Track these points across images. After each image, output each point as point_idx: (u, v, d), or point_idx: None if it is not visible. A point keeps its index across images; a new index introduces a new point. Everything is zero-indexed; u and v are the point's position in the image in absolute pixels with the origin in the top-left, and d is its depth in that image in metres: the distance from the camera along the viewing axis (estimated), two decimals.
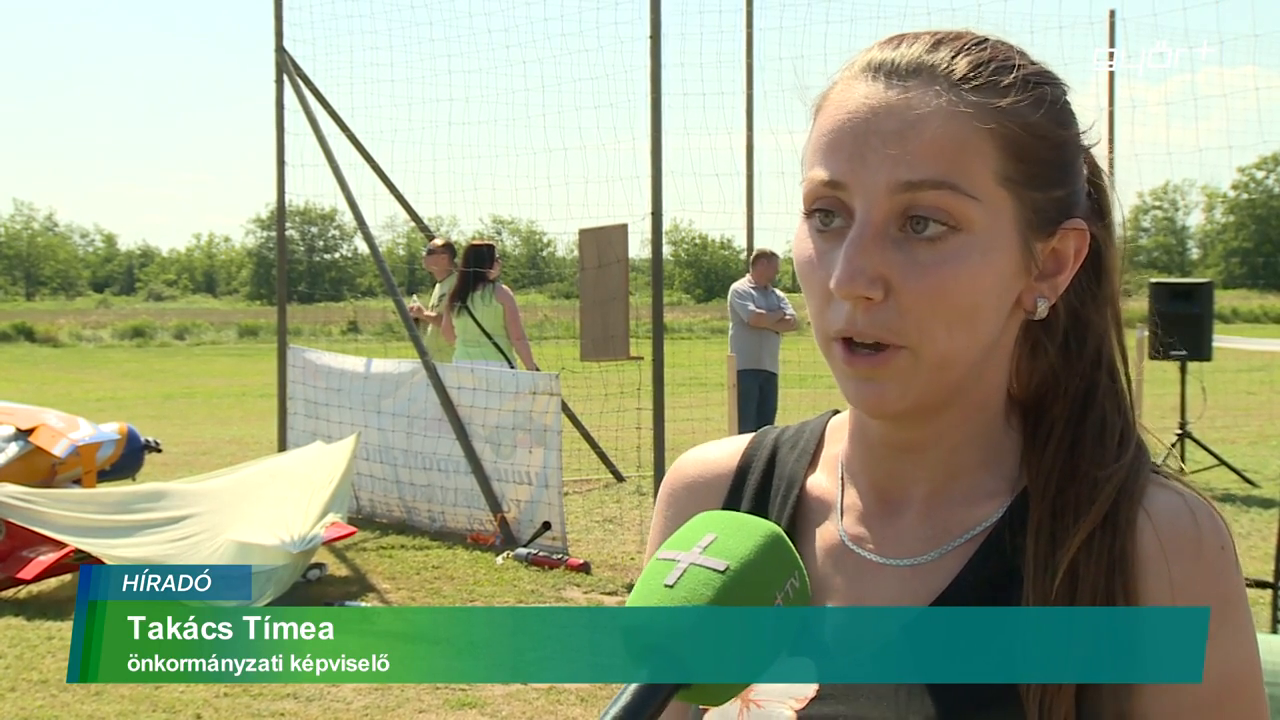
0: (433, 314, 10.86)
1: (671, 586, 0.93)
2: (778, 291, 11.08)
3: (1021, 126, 1.08)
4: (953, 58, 1.09)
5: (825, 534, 1.22)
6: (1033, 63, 1.13)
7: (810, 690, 1.15)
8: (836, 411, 1.31)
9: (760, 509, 1.26)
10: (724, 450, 1.32)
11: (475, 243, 10.78)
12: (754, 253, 11.51)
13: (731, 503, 1.28)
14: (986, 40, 1.12)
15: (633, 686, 0.91)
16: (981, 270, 1.07)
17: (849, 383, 1.10)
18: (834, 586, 1.19)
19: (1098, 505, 1.10)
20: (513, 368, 10.19)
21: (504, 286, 10.59)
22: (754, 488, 1.28)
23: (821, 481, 1.25)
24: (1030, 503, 1.13)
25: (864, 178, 1.06)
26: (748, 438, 1.33)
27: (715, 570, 0.94)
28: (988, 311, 1.09)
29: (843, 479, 1.23)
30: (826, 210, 1.09)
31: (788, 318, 10.79)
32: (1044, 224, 1.11)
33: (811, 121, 1.14)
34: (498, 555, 8.70)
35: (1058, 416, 1.16)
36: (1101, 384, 1.17)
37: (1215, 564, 1.08)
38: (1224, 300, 46.79)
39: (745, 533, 0.97)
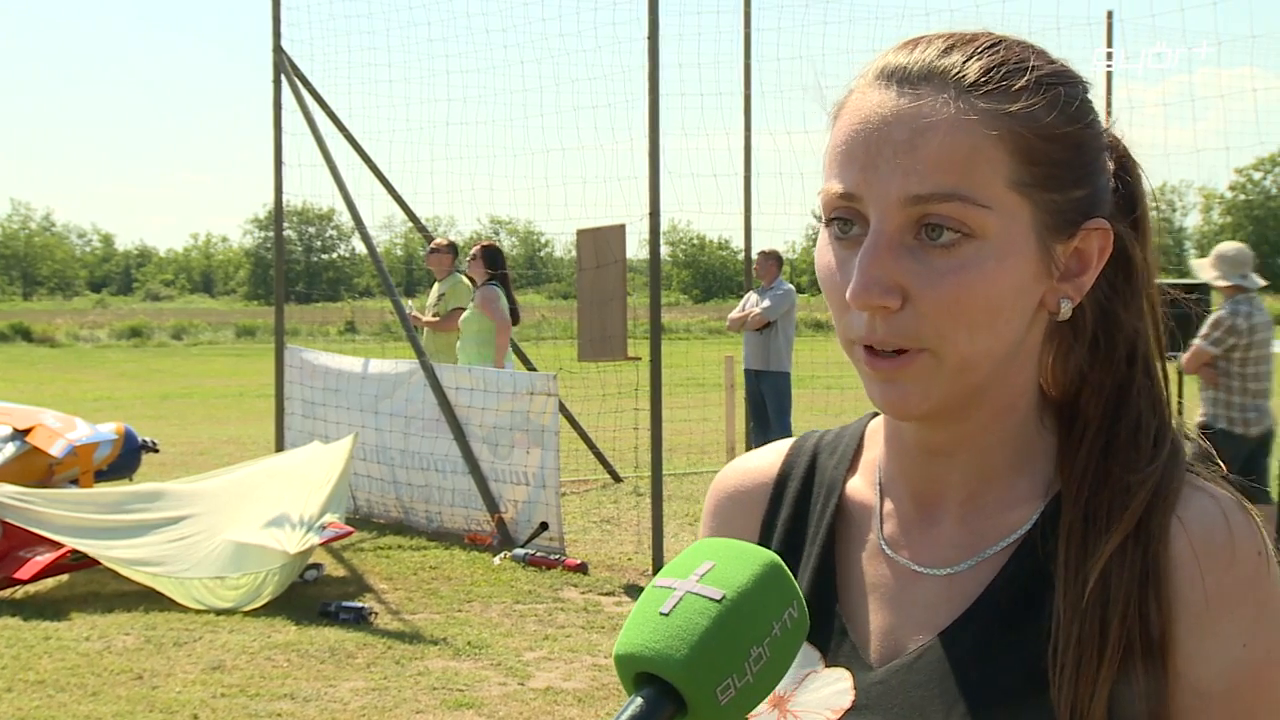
0: (433, 317, 10.86)
1: (667, 615, 0.92)
2: (784, 286, 11.16)
3: (1033, 130, 1.07)
4: (964, 62, 1.08)
5: (865, 542, 1.22)
6: (1050, 62, 1.11)
7: (847, 700, 1.15)
8: (876, 413, 1.29)
9: (801, 516, 1.26)
10: (764, 459, 1.32)
11: (489, 244, 10.88)
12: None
13: (772, 511, 1.28)
14: (1001, 42, 1.11)
15: (625, 716, 0.90)
16: (998, 275, 1.06)
17: (873, 385, 1.10)
18: (874, 596, 1.19)
19: (1129, 512, 1.09)
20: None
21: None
22: (794, 495, 1.28)
23: (860, 487, 1.25)
24: (1062, 506, 1.13)
25: (876, 189, 1.06)
26: (788, 444, 1.33)
27: (711, 599, 0.92)
28: (1008, 314, 1.09)
29: (880, 485, 1.23)
30: (844, 219, 1.10)
31: (751, 316, 10.98)
32: (1063, 225, 1.10)
33: (830, 128, 1.14)
34: (495, 556, 8.70)
35: (1091, 417, 1.15)
36: (1136, 382, 1.15)
37: (1251, 570, 1.07)
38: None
39: (743, 561, 0.96)
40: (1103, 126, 1.14)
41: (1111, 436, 1.13)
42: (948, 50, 1.09)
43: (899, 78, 1.08)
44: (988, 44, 1.10)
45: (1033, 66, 1.09)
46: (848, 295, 1.07)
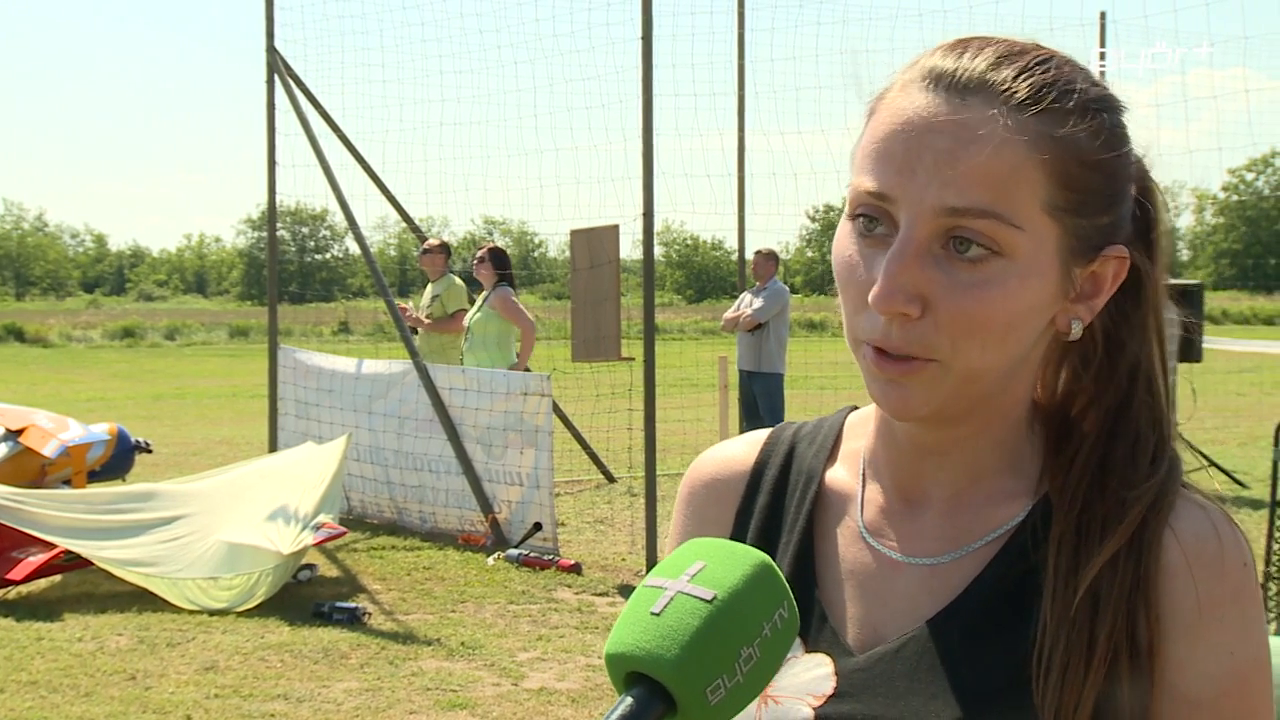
0: (426, 318, 10.84)
1: (658, 614, 0.93)
2: (778, 286, 11.22)
3: (1075, 156, 1.07)
4: (1015, 78, 1.07)
5: (845, 529, 1.23)
6: (1094, 85, 1.11)
7: (828, 687, 1.16)
8: (855, 407, 1.31)
9: (778, 503, 1.27)
10: (741, 448, 1.32)
11: (495, 246, 10.91)
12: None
13: (749, 499, 1.28)
14: (1051, 59, 1.10)
15: (615, 715, 0.90)
16: (1020, 293, 1.07)
17: (876, 385, 1.10)
18: (853, 582, 1.20)
19: (1124, 525, 1.10)
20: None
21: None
22: (771, 483, 1.28)
23: (841, 476, 1.25)
24: (1054, 514, 1.13)
25: (912, 193, 1.06)
26: (765, 434, 1.33)
27: (702, 599, 0.93)
28: (1022, 331, 1.10)
29: (864, 475, 1.24)
30: (870, 216, 1.09)
31: (743, 316, 11.05)
32: (1086, 249, 1.10)
33: (865, 121, 1.13)
34: (489, 556, 8.70)
35: (1089, 430, 1.16)
36: (1138, 399, 1.16)
37: (1238, 580, 1.09)
38: (1214, 302, 47.01)
39: (734, 561, 0.96)
40: (1134, 154, 1.14)
41: (1109, 451, 1.14)
42: (999, 63, 1.08)
43: (946, 84, 1.07)
44: (1038, 60, 1.09)
45: (1080, 89, 1.09)
46: (871, 298, 1.06)
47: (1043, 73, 1.08)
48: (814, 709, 1.15)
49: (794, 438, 1.30)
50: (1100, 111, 1.10)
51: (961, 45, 1.11)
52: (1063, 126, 1.07)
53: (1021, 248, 1.06)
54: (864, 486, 1.23)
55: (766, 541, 1.24)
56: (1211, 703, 1.08)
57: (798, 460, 1.28)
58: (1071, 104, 1.08)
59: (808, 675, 1.17)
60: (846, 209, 1.12)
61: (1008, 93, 1.06)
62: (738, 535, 1.26)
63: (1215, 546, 1.09)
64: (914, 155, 1.06)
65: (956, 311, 1.06)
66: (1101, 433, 1.15)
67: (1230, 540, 1.10)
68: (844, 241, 1.11)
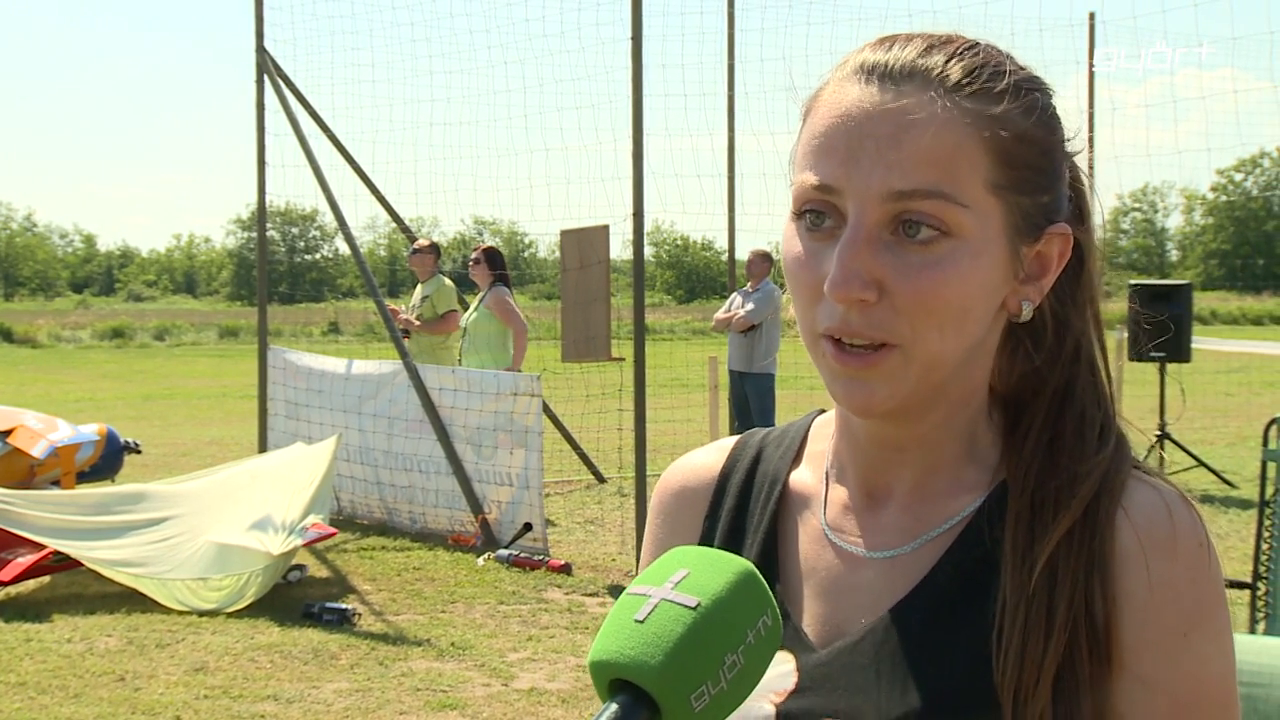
0: (415, 319, 10.82)
1: (642, 622, 0.93)
2: (769, 287, 11.21)
3: (1013, 134, 1.09)
4: (946, 62, 1.09)
5: (808, 528, 1.23)
6: (1020, 67, 1.13)
7: (790, 683, 1.16)
8: (822, 411, 1.32)
9: (743, 507, 1.27)
10: (709, 456, 1.34)
11: (490, 246, 10.88)
12: None
13: (716, 505, 1.29)
14: (977, 45, 1.13)
15: None
16: (971, 273, 1.08)
17: (838, 382, 1.11)
18: (815, 579, 1.20)
19: (1078, 500, 1.10)
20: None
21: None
22: (737, 488, 1.29)
23: (805, 477, 1.26)
24: (1009, 495, 1.14)
25: (857, 182, 1.07)
26: (733, 441, 1.34)
27: (686, 607, 0.93)
28: (977, 314, 1.11)
29: (828, 475, 1.24)
30: (817, 211, 1.10)
31: (736, 318, 11.06)
32: (1030, 229, 1.12)
33: (801, 122, 1.14)
34: (479, 556, 8.69)
35: (1038, 411, 1.17)
36: (1081, 378, 1.18)
37: (1193, 562, 1.09)
38: (1202, 302, 47.16)
39: (718, 569, 0.96)
40: (1066, 135, 1.16)
41: (1058, 429, 1.16)
42: (928, 50, 1.10)
43: (880, 74, 1.09)
44: (966, 46, 1.12)
45: (1009, 70, 1.11)
46: (827, 287, 1.07)
47: (972, 56, 1.10)
48: (775, 705, 1.15)
49: (761, 443, 1.32)
50: (1032, 91, 1.12)
51: (889, 40, 1.13)
52: (998, 105, 1.09)
53: (969, 226, 1.07)
54: (828, 486, 1.24)
55: (732, 545, 1.25)
56: (1167, 682, 1.08)
57: (764, 464, 1.29)
58: (1003, 84, 1.09)
59: (771, 673, 1.17)
60: (792, 208, 1.13)
61: (941, 76, 1.08)
62: (706, 540, 1.28)
63: (1168, 528, 1.09)
64: (856, 145, 1.07)
65: (912, 293, 1.07)
66: (1050, 412, 1.16)
67: (1184, 521, 1.10)
68: (792, 241, 1.13)
